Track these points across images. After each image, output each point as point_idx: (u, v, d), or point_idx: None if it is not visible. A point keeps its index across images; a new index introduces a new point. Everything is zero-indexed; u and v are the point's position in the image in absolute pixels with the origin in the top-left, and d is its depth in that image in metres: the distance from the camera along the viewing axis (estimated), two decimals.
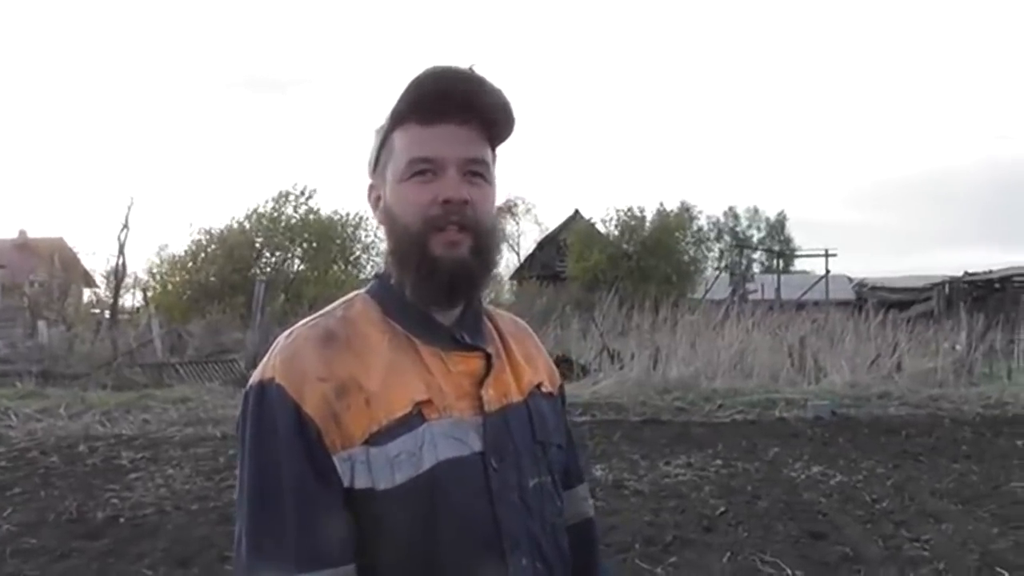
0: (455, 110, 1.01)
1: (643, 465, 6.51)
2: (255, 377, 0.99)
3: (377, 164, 1.07)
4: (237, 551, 0.96)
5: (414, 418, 0.97)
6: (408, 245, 1.01)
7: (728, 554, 4.32)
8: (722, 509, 5.18)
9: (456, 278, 1.01)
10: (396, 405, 0.96)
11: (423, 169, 1.01)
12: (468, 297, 1.07)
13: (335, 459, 0.94)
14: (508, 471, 1.02)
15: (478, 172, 1.03)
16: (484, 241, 1.03)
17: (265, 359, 1.00)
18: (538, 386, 1.14)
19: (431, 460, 0.96)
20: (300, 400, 0.94)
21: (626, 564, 4.18)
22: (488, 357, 1.06)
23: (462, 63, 1.02)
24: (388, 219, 1.04)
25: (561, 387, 1.23)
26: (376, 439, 0.95)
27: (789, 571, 4.06)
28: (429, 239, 1.00)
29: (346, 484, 0.94)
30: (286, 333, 1.03)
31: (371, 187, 1.10)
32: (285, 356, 0.98)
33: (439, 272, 1.00)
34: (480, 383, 1.04)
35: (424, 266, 1.00)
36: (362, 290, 1.10)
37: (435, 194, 1.00)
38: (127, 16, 75.16)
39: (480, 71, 1.03)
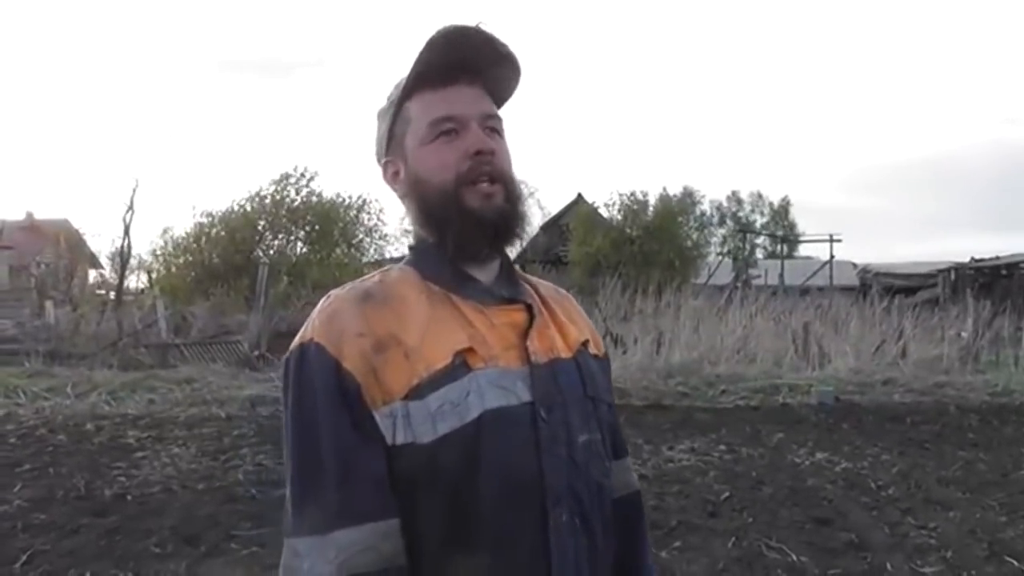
0: (464, 71, 1.04)
1: (646, 450, 6.52)
2: (295, 342, 1.00)
3: (391, 140, 1.08)
4: (285, 511, 0.96)
5: (458, 368, 0.96)
6: (444, 203, 1.02)
7: (732, 539, 4.32)
8: (726, 494, 5.19)
9: (496, 227, 1.03)
10: (436, 357, 0.96)
11: (447, 128, 1.03)
12: (509, 244, 1.07)
13: (376, 415, 0.94)
14: (557, 424, 1.00)
15: (495, 127, 1.06)
16: (514, 189, 1.06)
17: (305, 325, 1.01)
18: (584, 344, 1.13)
19: (478, 409, 0.95)
20: (339, 356, 0.95)
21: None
22: (529, 308, 1.06)
23: (467, 20, 1.03)
24: (416, 185, 1.05)
25: (606, 353, 1.21)
26: (417, 392, 0.94)
27: (794, 557, 4.07)
28: (464, 193, 1.02)
29: (388, 441, 0.94)
30: (325, 297, 1.04)
31: (387, 164, 1.10)
32: (323, 317, 0.99)
33: (480, 224, 1.02)
34: (524, 335, 1.03)
35: (464, 220, 1.02)
36: (397, 264, 1.11)
37: (463, 149, 1.02)
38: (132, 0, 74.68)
39: (486, 27, 1.04)
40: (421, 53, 1.02)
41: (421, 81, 1.04)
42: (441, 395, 0.94)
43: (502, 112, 1.11)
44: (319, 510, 0.92)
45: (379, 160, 1.12)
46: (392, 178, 1.09)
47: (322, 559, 0.90)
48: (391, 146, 1.08)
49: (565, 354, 1.07)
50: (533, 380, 1.00)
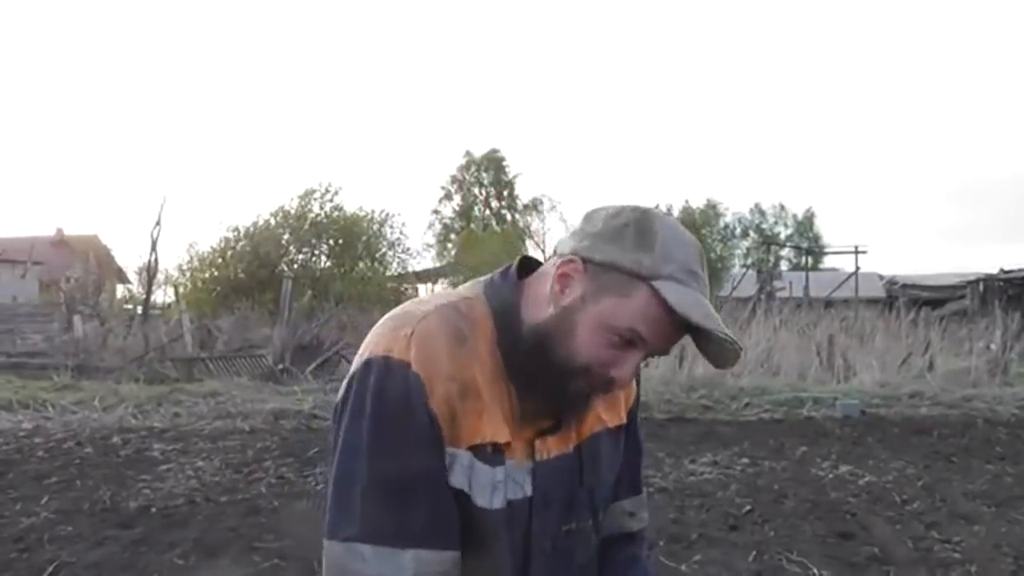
0: (689, 327, 0.99)
1: (668, 463, 6.48)
2: (379, 350, 0.98)
3: (600, 268, 0.99)
4: (335, 520, 0.97)
5: (501, 454, 1.01)
6: (557, 362, 1.00)
7: (754, 553, 4.29)
8: (748, 508, 5.15)
9: (556, 411, 1.07)
10: (499, 430, 1.01)
11: (628, 339, 0.99)
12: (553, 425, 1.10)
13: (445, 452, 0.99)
14: (548, 517, 1.06)
15: (652, 356, 1.05)
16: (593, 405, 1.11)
17: (390, 333, 1.00)
18: (606, 427, 1.16)
19: (500, 500, 1.01)
20: (430, 390, 0.97)
21: (650, 562, 4.17)
22: (558, 424, 1.09)
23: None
24: (562, 324, 1.00)
25: (637, 398, 1.24)
26: (478, 452, 0.99)
27: (815, 571, 4.03)
28: (573, 379, 1.01)
29: None
30: (418, 314, 1.01)
31: (573, 263, 1.01)
32: (420, 345, 0.98)
33: (557, 404, 1.05)
34: (540, 433, 1.07)
35: (550, 390, 1.02)
36: (479, 288, 1.08)
37: (612, 363, 1.00)
38: (159, 17, 76.15)
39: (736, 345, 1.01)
40: (693, 318, 0.96)
41: (678, 309, 0.96)
42: (500, 471, 1.01)
43: None
44: (395, 525, 0.95)
45: (574, 241, 1.03)
46: (561, 277, 1.01)
47: (394, 569, 0.94)
48: (595, 268, 0.99)
49: (572, 444, 1.10)
50: (535, 476, 1.05)
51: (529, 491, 1.03)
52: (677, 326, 0.99)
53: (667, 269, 0.97)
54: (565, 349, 0.99)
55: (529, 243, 37.25)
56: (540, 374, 1.01)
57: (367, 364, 0.99)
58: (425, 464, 0.97)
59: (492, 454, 1.00)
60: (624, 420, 1.20)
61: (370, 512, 0.95)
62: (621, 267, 0.98)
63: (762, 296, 19.36)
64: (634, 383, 1.21)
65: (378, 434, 0.96)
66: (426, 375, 0.96)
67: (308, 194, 25.11)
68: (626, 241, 0.98)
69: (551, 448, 1.07)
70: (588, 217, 1.04)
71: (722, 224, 33.49)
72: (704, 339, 0.99)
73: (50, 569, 4.06)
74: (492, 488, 0.99)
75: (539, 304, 1.03)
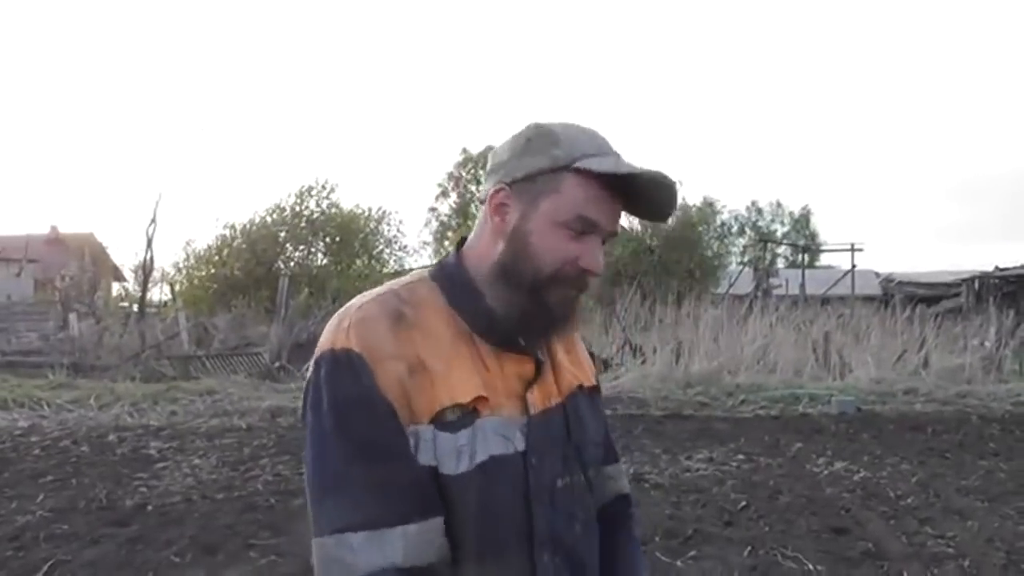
0: (627, 193, 1.05)
1: (664, 459, 6.50)
2: (325, 345, 1.02)
3: (524, 180, 1.05)
4: (318, 516, 0.98)
5: (471, 413, 1.01)
6: (529, 282, 1.04)
7: (749, 548, 4.31)
8: (743, 503, 5.17)
9: (553, 328, 1.08)
10: (458, 393, 1.01)
11: (582, 229, 1.04)
12: (549, 339, 1.12)
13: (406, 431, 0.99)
14: (543, 472, 1.06)
15: (609, 241, 1.08)
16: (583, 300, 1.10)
17: (334, 329, 1.03)
18: (579, 386, 1.18)
19: (482, 455, 1.00)
20: (376, 373, 0.98)
21: (646, 557, 4.17)
22: (538, 363, 1.10)
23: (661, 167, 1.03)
24: (518, 244, 1.05)
25: (595, 375, 1.27)
26: (439, 421, 0.99)
27: (810, 566, 4.05)
28: (550, 289, 1.04)
29: None
30: (356, 305, 1.05)
31: (500, 191, 1.06)
32: (360, 330, 1.01)
33: (544, 319, 1.06)
34: (527, 385, 1.08)
35: (532, 307, 1.05)
36: (424, 272, 1.13)
37: (579, 256, 1.04)
38: (153, 14, 75.96)
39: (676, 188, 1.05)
40: (641, 176, 1.01)
41: (603, 175, 1.02)
42: (464, 434, 1.00)
43: None
44: (380, 504, 0.96)
45: (495, 175, 1.08)
46: (498, 207, 1.06)
47: (384, 550, 0.94)
48: (522, 185, 1.05)
49: (556, 400, 1.12)
50: (528, 430, 1.05)
51: (521, 446, 1.04)
52: (613, 192, 1.04)
53: (579, 151, 1.03)
54: (530, 265, 1.03)
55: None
56: (520, 303, 1.04)
57: (316, 363, 1.02)
58: (389, 438, 0.97)
59: (459, 418, 0.99)
60: (594, 383, 1.23)
61: (348, 499, 0.96)
62: (542, 169, 1.03)
63: (758, 293, 19.42)
64: (590, 357, 1.26)
65: (339, 422, 0.98)
66: (369, 356, 0.98)
67: (305, 191, 25.07)
68: (535, 149, 1.04)
69: (539, 402, 1.08)
70: (492, 155, 1.10)
71: (719, 221, 33.50)
72: (640, 193, 1.04)
73: (46, 567, 4.06)
74: (457, 453, 0.98)
75: (487, 247, 1.08)
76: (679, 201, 1.07)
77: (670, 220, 1.11)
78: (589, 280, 1.06)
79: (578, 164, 1.02)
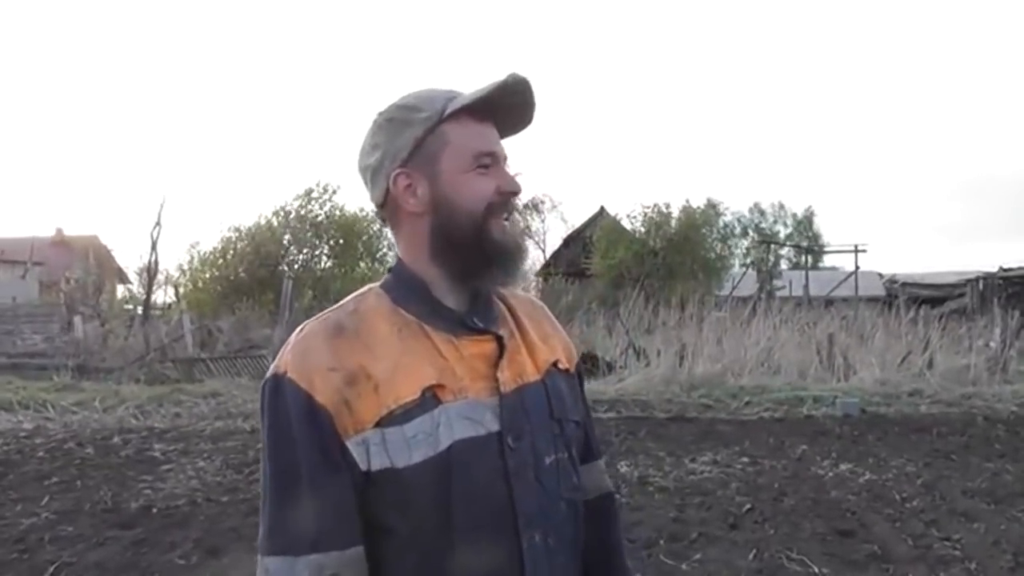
0: (496, 113, 1.10)
1: (668, 462, 6.49)
2: (270, 371, 1.04)
3: (415, 153, 1.07)
4: (259, 535, 1.02)
5: (428, 401, 1.01)
6: (470, 231, 1.07)
7: (754, 551, 4.30)
8: (748, 506, 5.16)
9: (515, 259, 1.10)
10: (404, 391, 1.00)
11: (486, 163, 1.08)
12: (516, 274, 1.12)
13: (349, 443, 0.98)
14: (524, 450, 1.05)
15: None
16: (523, 226, 1.11)
17: (279, 354, 1.05)
18: (555, 364, 1.17)
19: (447, 440, 1.00)
20: (311, 390, 0.98)
21: (651, 560, 4.18)
22: (500, 340, 1.10)
23: (517, 70, 1.08)
24: (442, 207, 1.07)
25: (578, 364, 1.26)
26: (388, 421, 0.99)
27: (816, 569, 4.04)
28: (490, 225, 1.07)
29: (363, 467, 0.98)
30: (298, 328, 1.08)
31: (400, 175, 1.08)
32: (296, 351, 1.03)
33: (501, 254, 1.08)
34: (495, 365, 1.07)
35: (486, 249, 1.07)
36: (376, 284, 1.14)
37: (496, 185, 1.08)
38: (160, 17, 76.15)
39: (532, 84, 1.09)
40: (498, 88, 1.06)
41: (466, 109, 1.07)
42: (415, 425, 0.99)
43: None
44: (291, 534, 0.98)
45: (381, 170, 1.09)
46: (405, 191, 1.08)
47: None
48: (413, 159, 1.07)
49: (533, 377, 1.11)
50: (502, 410, 1.04)
51: (495, 426, 1.03)
52: (487, 116, 1.08)
53: (441, 103, 1.07)
54: (464, 215, 1.07)
55: (529, 243, 37.28)
56: (468, 247, 1.06)
57: (261, 388, 1.05)
58: (311, 466, 0.97)
59: (408, 411, 0.99)
60: (572, 367, 1.23)
61: (273, 523, 0.99)
62: (420, 136, 1.07)
63: (762, 295, 19.38)
64: (569, 341, 1.27)
65: (270, 449, 1.01)
66: (301, 376, 0.99)
67: (308, 194, 25.11)
68: (401, 125, 1.08)
69: (511, 380, 1.07)
70: (360, 164, 1.13)
71: (722, 223, 33.55)
72: (508, 107, 1.09)
73: (51, 569, 4.07)
74: (407, 445, 0.98)
75: (414, 237, 1.10)
76: (529, 84, 1.09)
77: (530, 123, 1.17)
78: (515, 199, 1.10)
79: (448, 111, 1.06)
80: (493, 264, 1.08)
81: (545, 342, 1.18)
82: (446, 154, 1.06)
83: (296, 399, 0.99)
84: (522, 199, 1.16)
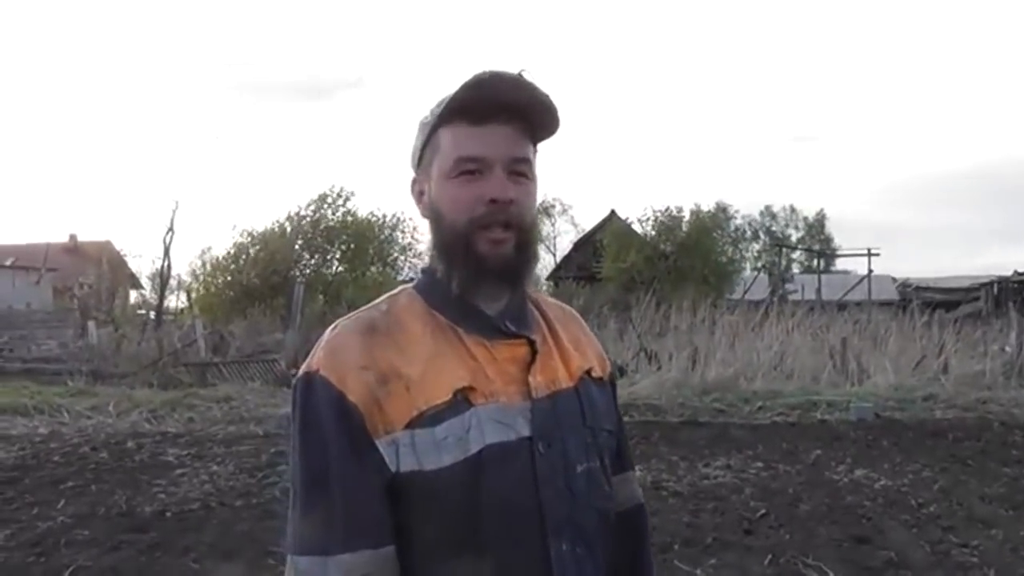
0: (502, 112, 1.04)
1: (682, 466, 6.46)
2: (302, 369, 1.03)
3: (422, 159, 1.10)
4: (287, 534, 1.00)
5: (460, 403, 0.99)
6: (454, 242, 1.04)
7: (769, 556, 4.27)
8: (763, 511, 5.12)
9: (502, 274, 1.05)
10: (436, 392, 0.99)
11: (470, 168, 1.03)
12: (513, 290, 1.09)
13: (379, 443, 0.97)
14: (555, 456, 1.04)
15: (521, 171, 1.05)
16: (527, 237, 1.06)
17: (312, 352, 1.04)
18: (588, 371, 1.15)
19: (478, 444, 0.98)
20: (344, 389, 0.98)
21: (665, 565, 4.15)
22: (532, 344, 1.08)
23: (512, 68, 1.04)
24: (433, 214, 1.08)
25: (612, 373, 1.25)
26: (419, 422, 0.97)
27: (831, 575, 4.00)
28: (475, 237, 1.03)
29: (392, 468, 0.97)
30: (331, 327, 1.07)
31: (414, 181, 1.12)
32: (328, 349, 1.02)
33: (485, 269, 1.03)
34: (527, 370, 1.06)
35: (470, 263, 1.03)
36: (409, 285, 1.13)
37: (481, 193, 1.02)
38: (174, 24, 76.75)
39: (529, 76, 1.04)
40: (463, 87, 1.01)
41: (457, 113, 1.03)
42: (445, 428, 0.98)
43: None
44: (322, 533, 0.96)
45: (413, 170, 1.14)
46: (418, 196, 1.11)
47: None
48: (421, 164, 1.10)
49: (567, 384, 1.10)
50: (533, 415, 1.03)
51: (525, 431, 1.01)
52: (487, 121, 1.03)
53: (439, 108, 1.05)
54: (447, 225, 1.04)
55: (540, 247, 37.19)
56: (455, 259, 1.04)
57: (293, 386, 1.04)
58: (342, 465, 0.96)
59: (437, 413, 0.98)
60: (605, 376, 1.21)
61: (304, 522, 0.98)
62: (423, 141, 1.08)
63: (774, 299, 19.27)
64: (602, 349, 1.24)
65: (301, 446, 1.00)
66: (334, 374, 0.98)
67: (321, 199, 25.19)
68: (420, 128, 1.09)
69: (544, 385, 1.06)
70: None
71: (732, 227, 33.44)
72: (525, 108, 1.04)
73: (67, 573, 4.09)
74: (437, 447, 0.97)
75: (430, 234, 1.10)
76: (541, 85, 1.04)
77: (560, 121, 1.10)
78: (504, 209, 1.02)
79: (440, 118, 1.05)
80: (480, 279, 1.04)
81: (578, 349, 1.16)
82: (436, 160, 1.06)
83: (328, 397, 0.98)
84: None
